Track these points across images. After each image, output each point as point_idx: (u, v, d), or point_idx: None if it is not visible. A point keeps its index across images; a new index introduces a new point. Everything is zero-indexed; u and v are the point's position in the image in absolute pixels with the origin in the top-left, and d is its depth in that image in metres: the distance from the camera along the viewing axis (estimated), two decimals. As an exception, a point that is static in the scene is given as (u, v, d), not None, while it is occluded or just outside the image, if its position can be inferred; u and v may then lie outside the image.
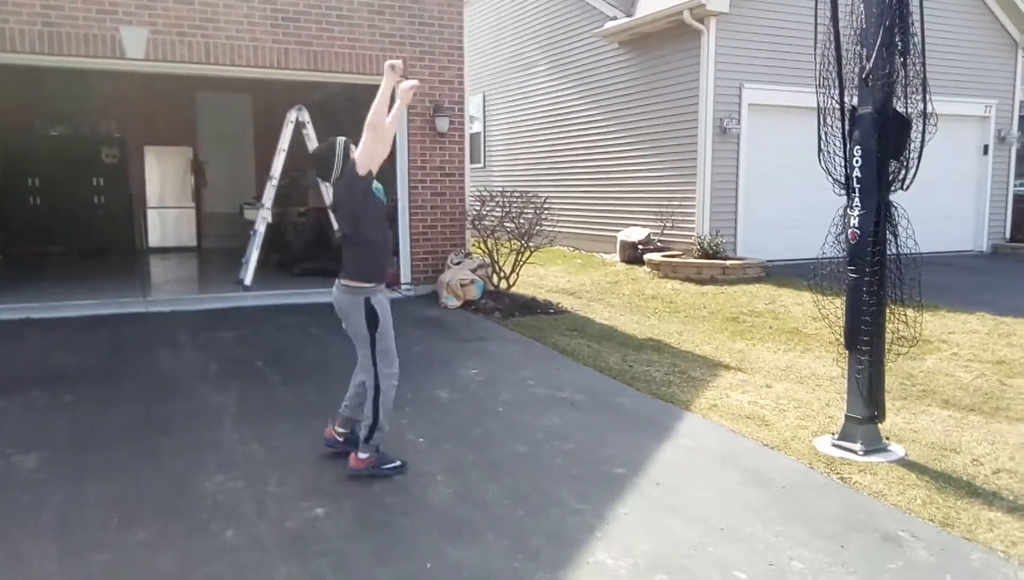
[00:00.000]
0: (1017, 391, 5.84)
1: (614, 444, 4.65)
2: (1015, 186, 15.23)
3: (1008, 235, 14.53)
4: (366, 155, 3.93)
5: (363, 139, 3.92)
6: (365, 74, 9.00)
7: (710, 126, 11.59)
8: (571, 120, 14.83)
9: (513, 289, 9.72)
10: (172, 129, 14.02)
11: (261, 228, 9.61)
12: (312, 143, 9.83)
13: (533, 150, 16.25)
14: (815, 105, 4.59)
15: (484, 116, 18.23)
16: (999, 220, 14.50)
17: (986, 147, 14.08)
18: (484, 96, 18.04)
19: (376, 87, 9.60)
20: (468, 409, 5.32)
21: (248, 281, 9.41)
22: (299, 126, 9.74)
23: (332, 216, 10.12)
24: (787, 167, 11.64)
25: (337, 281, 4.10)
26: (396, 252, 9.56)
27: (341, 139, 4.11)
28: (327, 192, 8.97)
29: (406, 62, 9.16)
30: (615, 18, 13.07)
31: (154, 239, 14.14)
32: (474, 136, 17.98)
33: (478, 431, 4.88)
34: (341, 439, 4.30)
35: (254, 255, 9.54)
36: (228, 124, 15.02)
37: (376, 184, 4.09)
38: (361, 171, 3.93)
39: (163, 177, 14.19)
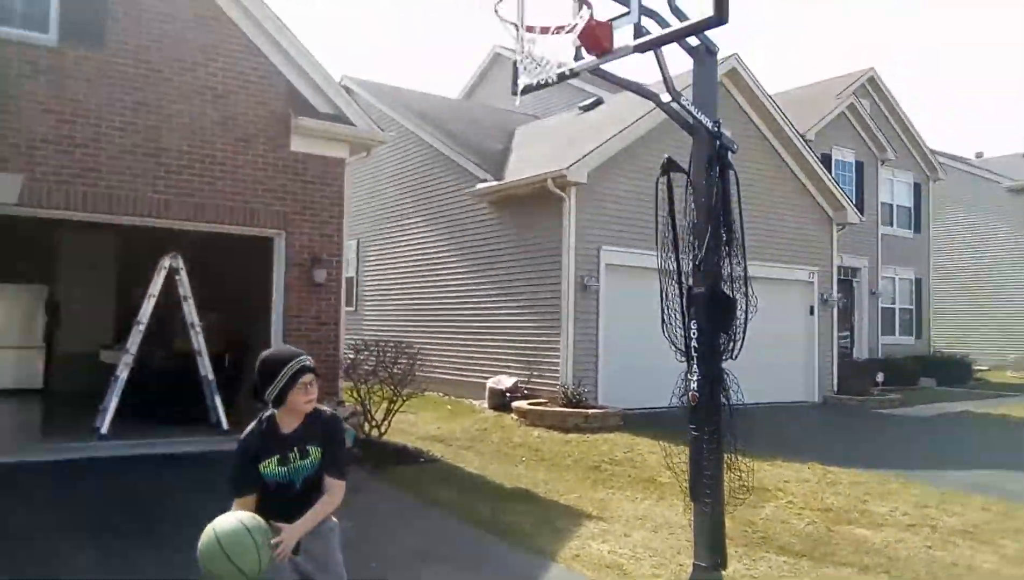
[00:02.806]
0: (842, 537, 6.51)
1: (483, 598, 4.84)
2: (839, 340, 17.05)
3: (836, 387, 16.08)
4: None
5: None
6: (247, 226, 9.28)
7: (572, 283, 12.50)
8: (443, 271, 15.50)
9: (385, 437, 9.83)
10: (27, 266, 13.52)
11: (123, 374, 9.38)
12: (184, 289, 9.87)
13: (406, 297, 16.72)
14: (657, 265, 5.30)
15: (358, 261, 18.66)
16: (828, 373, 16.08)
17: (812, 308, 15.82)
18: (359, 241, 18.53)
19: (257, 238, 9.83)
20: (339, 565, 5.35)
21: (105, 429, 9.06)
22: (172, 272, 9.78)
23: (199, 361, 10.01)
24: (642, 321, 12.45)
25: None
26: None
27: (296, 362, 3.17)
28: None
29: (286, 217, 9.55)
30: (486, 180, 14.09)
31: (-3, 380, 13.26)
32: (347, 280, 18.31)
33: (350, 588, 4.93)
34: None
35: (113, 402, 9.24)
36: (89, 263, 14.64)
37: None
38: None
39: (9, 315, 13.54)
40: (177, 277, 9.78)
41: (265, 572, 2.79)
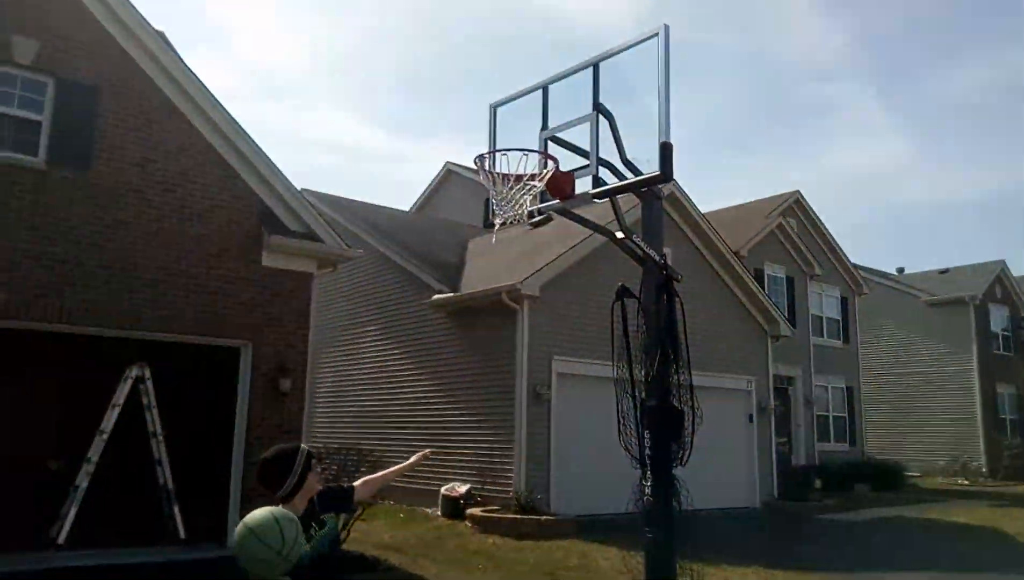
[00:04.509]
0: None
1: None
2: (778, 447, 17.77)
3: (776, 492, 16.68)
4: None
5: None
6: (217, 337, 9.63)
7: (525, 391, 13.02)
8: (397, 377, 15.85)
9: (343, 545, 9.94)
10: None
11: (84, 483, 9.40)
12: (150, 398, 10.04)
13: (359, 403, 16.93)
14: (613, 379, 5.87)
15: (312, 367, 18.83)
16: (768, 479, 16.71)
17: (751, 416, 16.58)
18: (312, 347, 18.77)
19: (227, 349, 10.05)
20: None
21: (62, 539, 9.01)
22: (137, 382, 9.97)
23: (159, 470, 10.06)
24: (594, 429, 13.07)
25: None
26: (226, 509, 9.62)
27: (303, 448, 3.60)
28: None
29: (255, 328, 9.93)
30: (442, 292, 14.72)
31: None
32: (300, 388, 18.42)
33: None
34: None
35: (72, 511, 9.23)
36: (37, 371, 14.49)
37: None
38: None
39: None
40: (142, 386, 9.96)
41: (291, 551, 3.10)
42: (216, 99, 9.88)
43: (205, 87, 9.85)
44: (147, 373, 9.98)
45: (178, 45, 10.40)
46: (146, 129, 9.43)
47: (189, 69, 9.81)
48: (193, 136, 9.77)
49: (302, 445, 3.63)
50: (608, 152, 5.51)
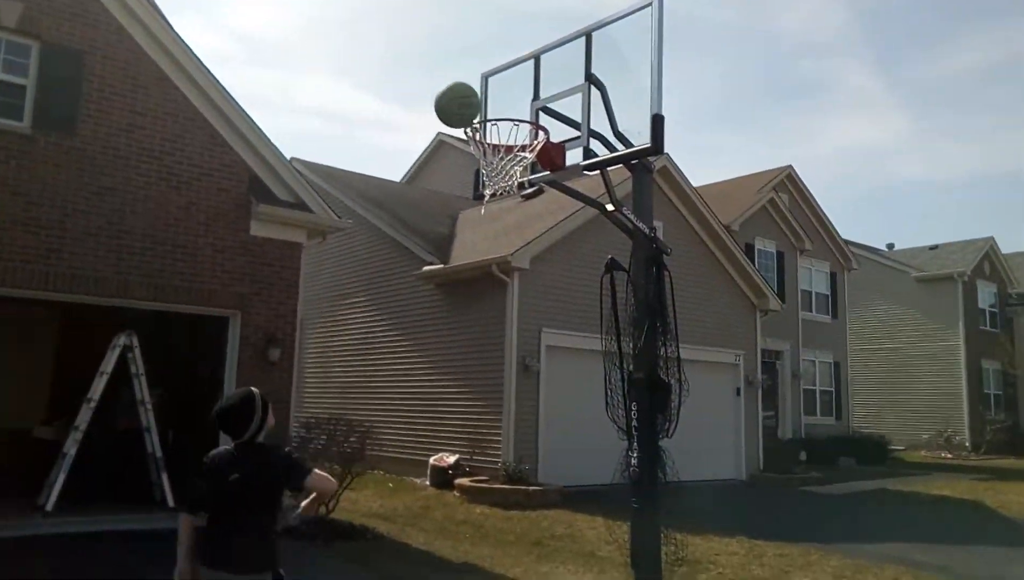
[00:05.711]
0: (767, 604, 7.06)
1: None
2: (764, 420, 17.91)
3: (762, 465, 16.85)
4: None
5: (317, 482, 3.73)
6: (205, 305, 9.59)
7: (514, 363, 13.05)
8: (386, 349, 15.86)
9: (331, 514, 10.00)
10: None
11: (72, 451, 9.40)
12: (137, 366, 10.01)
13: (348, 374, 16.94)
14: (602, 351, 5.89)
15: (300, 337, 18.79)
16: (754, 451, 16.86)
17: (738, 389, 16.70)
18: (301, 318, 18.72)
19: (216, 318, 9.99)
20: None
21: (50, 506, 9.03)
22: (125, 350, 9.94)
23: (147, 438, 10.08)
24: (581, 401, 13.13)
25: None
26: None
27: (256, 391, 3.78)
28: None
29: (244, 297, 9.89)
30: (432, 263, 14.68)
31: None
32: (289, 358, 18.39)
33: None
34: None
35: (61, 478, 9.24)
36: (25, 339, 14.45)
37: None
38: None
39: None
40: (130, 354, 9.93)
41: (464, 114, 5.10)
42: (204, 65, 9.73)
43: (193, 52, 9.69)
44: (135, 341, 9.96)
45: (165, 8, 10.28)
46: (132, 94, 9.29)
47: (177, 34, 9.64)
48: (181, 102, 9.64)
49: (252, 388, 3.78)
50: (600, 124, 5.47)
